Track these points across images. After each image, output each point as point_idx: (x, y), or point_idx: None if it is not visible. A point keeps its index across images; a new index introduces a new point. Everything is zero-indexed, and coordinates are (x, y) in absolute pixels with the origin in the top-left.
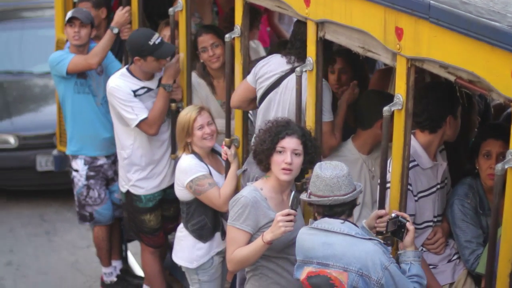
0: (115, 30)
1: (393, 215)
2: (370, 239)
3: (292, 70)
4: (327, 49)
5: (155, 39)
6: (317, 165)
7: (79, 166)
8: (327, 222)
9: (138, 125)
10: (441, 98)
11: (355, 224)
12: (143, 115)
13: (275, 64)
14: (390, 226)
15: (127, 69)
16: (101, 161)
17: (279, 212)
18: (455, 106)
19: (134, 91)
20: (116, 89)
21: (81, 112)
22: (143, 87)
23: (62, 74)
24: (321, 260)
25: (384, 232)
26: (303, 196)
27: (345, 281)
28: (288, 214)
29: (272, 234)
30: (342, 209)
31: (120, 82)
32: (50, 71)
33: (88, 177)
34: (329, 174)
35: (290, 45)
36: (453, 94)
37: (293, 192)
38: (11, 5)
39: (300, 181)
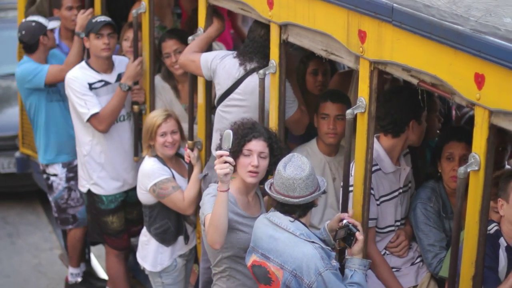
0: (82, 35)
1: (344, 221)
2: (312, 242)
3: (246, 73)
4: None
5: (99, 18)
6: (286, 157)
7: (57, 170)
8: (277, 217)
9: (89, 120)
10: (405, 103)
11: (305, 225)
12: (95, 109)
13: (230, 67)
14: (339, 234)
15: (86, 61)
16: (77, 162)
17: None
18: (419, 111)
19: (91, 84)
20: (73, 80)
21: (55, 120)
22: (100, 80)
23: (39, 86)
24: (264, 252)
25: (333, 239)
26: (267, 185)
27: (280, 277)
28: (221, 156)
29: (219, 183)
30: (292, 210)
31: (78, 74)
32: (19, 84)
33: (68, 179)
34: (288, 174)
35: (245, 44)
36: (417, 99)
37: (225, 131)
38: None
39: (263, 184)
